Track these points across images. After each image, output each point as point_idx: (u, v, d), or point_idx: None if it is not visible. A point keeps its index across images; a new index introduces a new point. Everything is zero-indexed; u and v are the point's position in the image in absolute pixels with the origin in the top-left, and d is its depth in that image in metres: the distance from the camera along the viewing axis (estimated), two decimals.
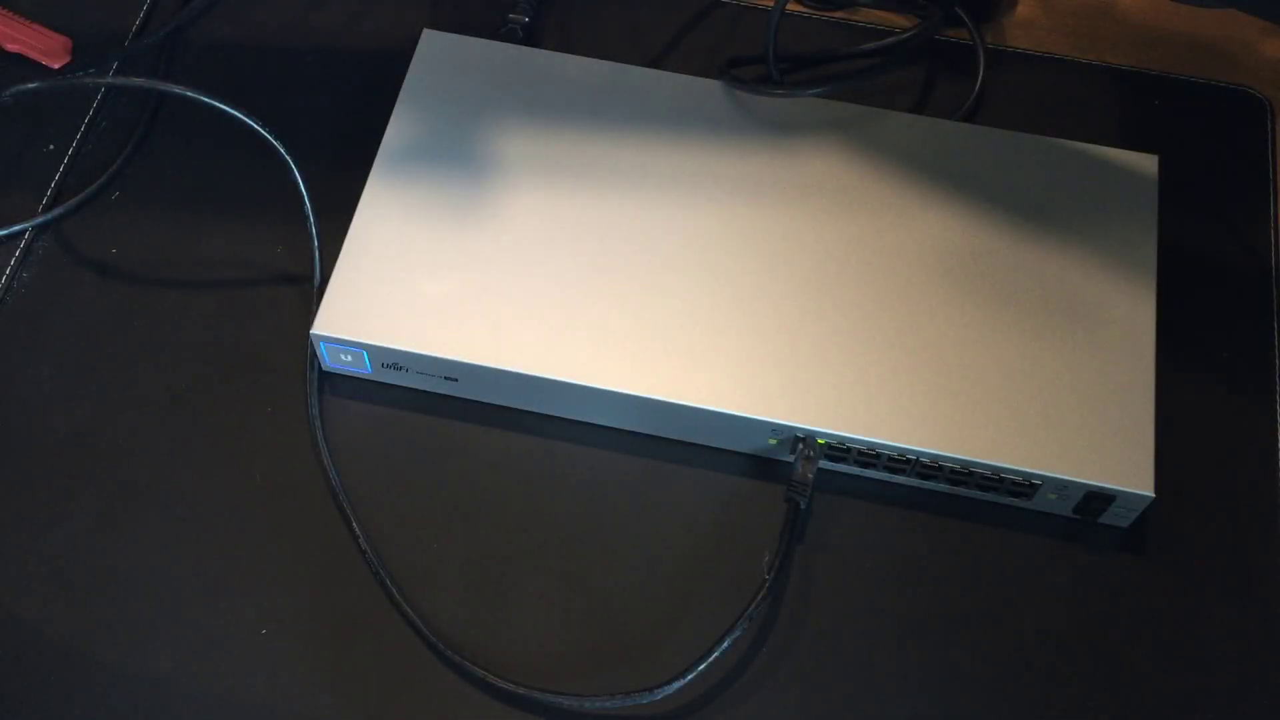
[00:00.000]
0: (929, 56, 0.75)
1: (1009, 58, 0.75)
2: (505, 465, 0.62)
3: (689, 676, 0.56)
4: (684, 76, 0.70)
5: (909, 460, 0.60)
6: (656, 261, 0.63)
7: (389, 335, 0.61)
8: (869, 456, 0.60)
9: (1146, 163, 0.67)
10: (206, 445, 0.63)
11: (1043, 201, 0.66)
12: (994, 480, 0.60)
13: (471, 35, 0.71)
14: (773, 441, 0.61)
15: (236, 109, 0.64)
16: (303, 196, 0.65)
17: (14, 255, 0.68)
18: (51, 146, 0.71)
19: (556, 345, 0.61)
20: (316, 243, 0.66)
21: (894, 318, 0.62)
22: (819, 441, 0.60)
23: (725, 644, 0.56)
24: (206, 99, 0.64)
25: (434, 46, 0.70)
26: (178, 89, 0.64)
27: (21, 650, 0.58)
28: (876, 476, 0.62)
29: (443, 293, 0.62)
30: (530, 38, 0.74)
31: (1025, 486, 0.60)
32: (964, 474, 0.60)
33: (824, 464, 0.62)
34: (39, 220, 0.69)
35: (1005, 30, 0.77)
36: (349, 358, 0.63)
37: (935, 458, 0.59)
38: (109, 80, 0.72)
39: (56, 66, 0.74)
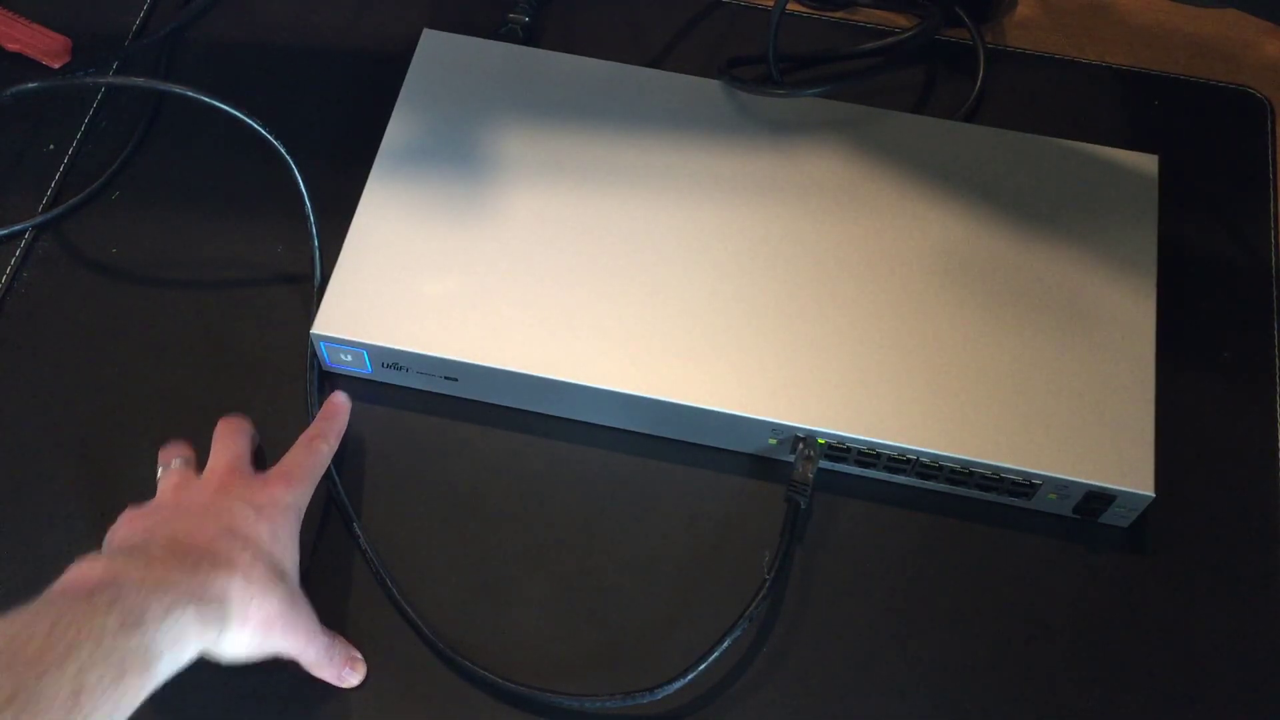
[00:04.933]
0: (929, 56, 0.75)
1: (1009, 58, 0.75)
2: (505, 465, 0.62)
3: (689, 676, 0.56)
4: (684, 76, 0.70)
5: (909, 460, 0.60)
6: (657, 261, 0.63)
7: (389, 335, 0.61)
8: (869, 456, 0.60)
9: (1146, 163, 0.67)
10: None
11: (1043, 201, 0.66)
12: (994, 480, 0.60)
13: (471, 35, 0.71)
14: (773, 441, 0.61)
15: (236, 109, 0.64)
16: (303, 196, 0.65)
17: (14, 255, 0.68)
18: (51, 146, 0.71)
19: (556, 345, 0.61)
20: (316, 243, 0.66)
21: (894, 318, 0.62)
22: (819, 441, 0.60)
23: (725, 644, 0.56)
24: (206, 99, 0.64)
25: (434, 46, 0.70)
26: (178, 89, 0.64)
27: None
28: (876, 476, 0.62)
29: (443, 293, 0.62)
30: (530, 38, 0.74)
31: (1025, 486, 0.60)
32: (964, 474, 0.60)
33: (824, 464, 0.62)
34: (39, 220, 0.69)
35: (1005, 30, 0.77)
36: (349, 358, 0.63)
37: (935, 458, 0.59)
38: (109, 80, 0.72)
39: (56, 66, 0.74)
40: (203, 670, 0.57)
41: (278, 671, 0.57)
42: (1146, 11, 0.78)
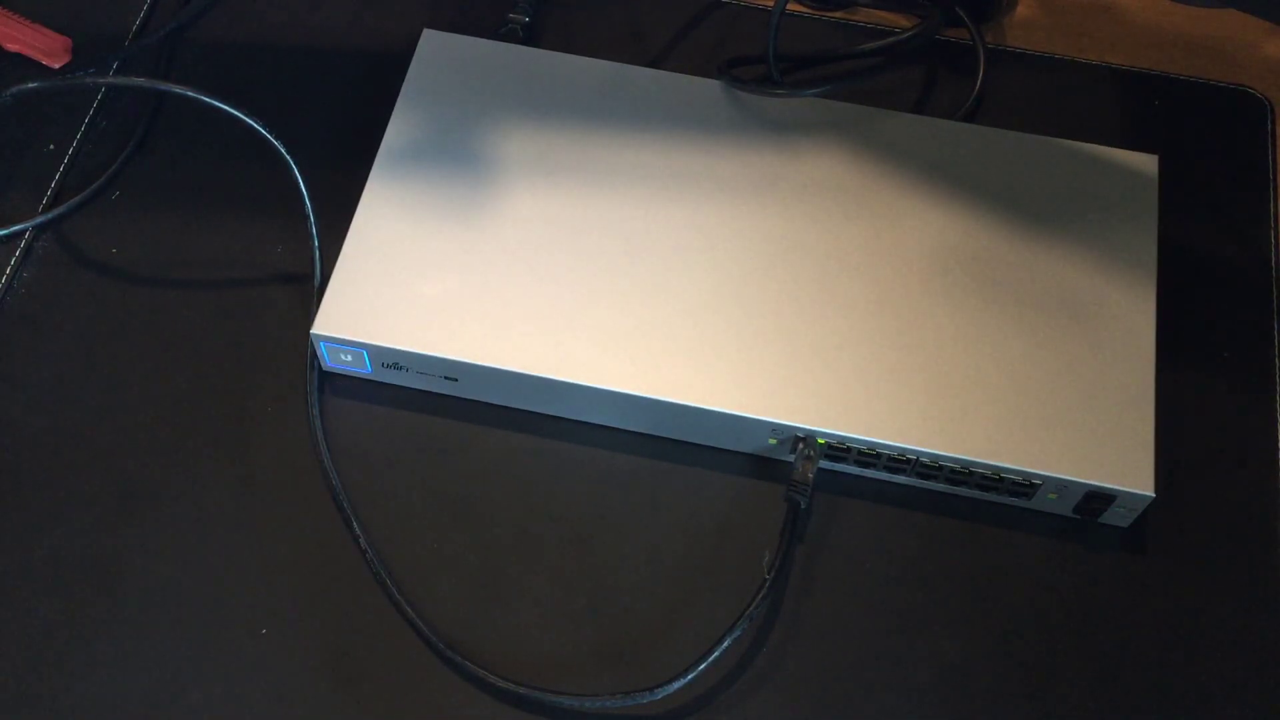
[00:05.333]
0: (929, 56, 0.75)
1: (1009, 58, 0.75)
2: (505, 465, 0.62)
3: (689, 676, 0.56)
4: (684, 76, 0.70)
5: (909, 460, 0.60)
6: (656, 261, 0.63)
7: (389, 335, 0.61)
8: (869, 456, 0.60)
9: (1146, 163, 0.67)
10: (206, 445, 0.63)
11: (1043, 201, 0.66)
12: (994, 480, 0.60)
13: (471, 35, 0.71)
14: (773, 441, 0.61)
15: (236, 109, 0.64)
16: (303, 196, 0.65)
17: (14, 255, 0.68)
18: (51, 146, 0.71)
19: (556, 345, 0.61)
20: (316, 243, 0.66)
21: (894, 318, 0.62)
22: (819, 441, 0.60)
23: (725, 644, 0.56)
24: (206, 99, 0.64)
25: (434, 46, 0.70)
26: (178, 89, 0.64)
27: (21, 650, 0.58)
28: (876, 476, 0.62)
29: (443, 293, 0.62)
30: (530, 38, 0.74)
31: (1025, 486, 0.60)
32: (964, 474, 0.60)
33: (824, 464, 0.62)
34: (39, 220, 0.69)
35: (1005, 30, 0.77)
36: (349, 358, 0.63)
37: (935, 458, 0.59)
38: (109, 80, 0.72)
39: (56, 66, 0.74)
40: (201, 672, 0.57)
41: (273, 670, 0.57)
42: (1146, 11, 0.78)
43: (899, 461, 0.60)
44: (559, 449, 0.63)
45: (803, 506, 0.60)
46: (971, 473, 0.60)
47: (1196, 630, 0.59)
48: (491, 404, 0.64)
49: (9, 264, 0.68)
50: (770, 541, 0.60)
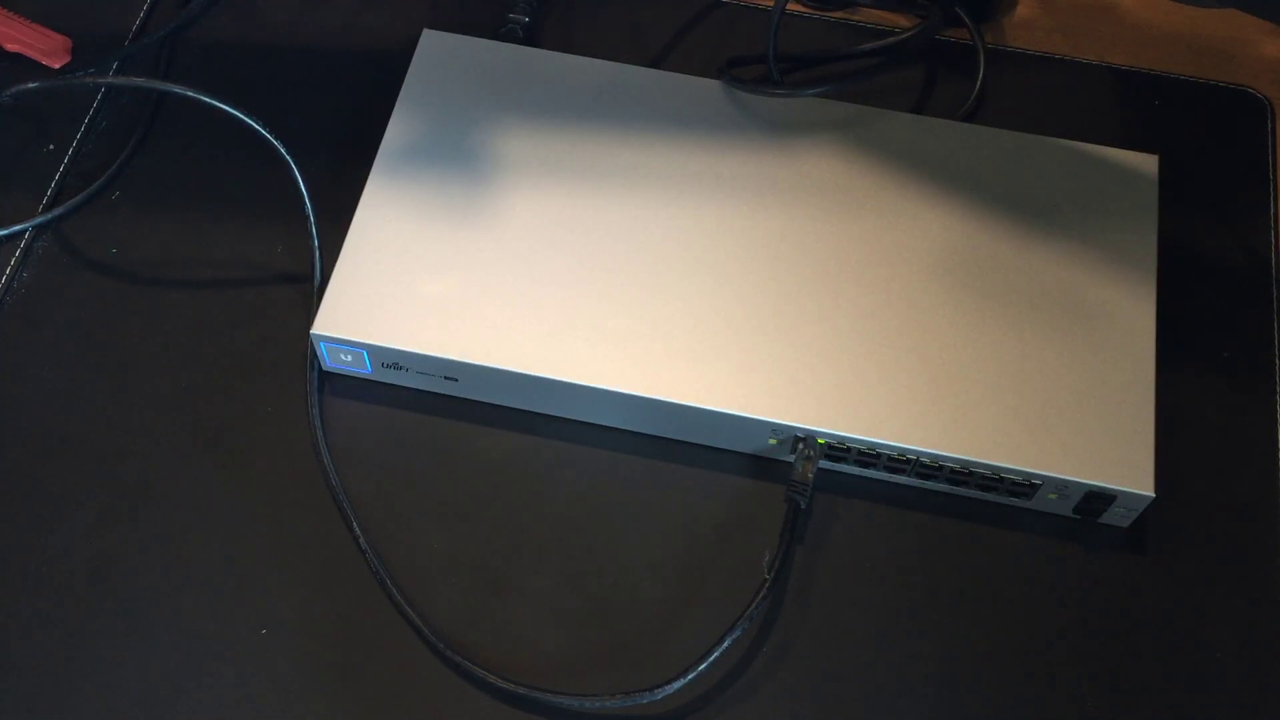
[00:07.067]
0: (929, 56, 0.75)
1: (1009, 58, 0.75)
2: (505, 465, 0.62)
3: (689, 676, 0.56)
4: (684, 76, 0.70)
5: (909, 460, 0.60)
6: (656, 261, 0.63)
7: (389, 335, 0.61)
8: (869, 456, 0.60)
9: (1146, 163, 0.67)
10: (207, 445, 0.63)
11: (1043, 201, 0.66)
12: (994, 480, 0.60)
13: (471, 35, 0.71)
14: (773, 441, 0.61)
15: (236, 109, 0.64)
16: (303, 196, 0.65)
17: (14, 255, 0.68)
18: (51, 146, 0.71)
19: (556, 345, 0.61)
20: (316, 243, 0.66)
21: (894, 318, 0.62)
22: (819, 441, 0.60)
23: (725, 644, 0.56)
24: (206, 99, 0.64)
25: (434, 46, 0.70)
26: (178, 89, 0.64)
27: (21, 650, 0.58)
28: (876, 476, 0.62)
29: (443, 293, 0.62)
30: (530, 38, 0.74)
31: (1025, 486, 0.60)
32: (964, 474, 0.60)
33: (824, 464, 0.62)
34: (39, 220, 0.69)
35: (1005, 30, 0.77)
36: (349, 358, 0.63)
37: (935, 458, 0.59)
38: (109, 80, 0.72)
39: (56, 66, 0.74)
40: (201, 672, 0.57)
41: (273, 670, 0.57)
42: (1146, 11, 0.78)
43: (899, 461, 0.60)
44: (559, 449, 0.63)
45: (803, 506, 0.60)
46: (971, 473, 0.60)
47: (1196, 630, 0.59)
48: (491, 404, 0.64)
49: (9, 264, 0.68)
50: (770, 541, 0.60)
